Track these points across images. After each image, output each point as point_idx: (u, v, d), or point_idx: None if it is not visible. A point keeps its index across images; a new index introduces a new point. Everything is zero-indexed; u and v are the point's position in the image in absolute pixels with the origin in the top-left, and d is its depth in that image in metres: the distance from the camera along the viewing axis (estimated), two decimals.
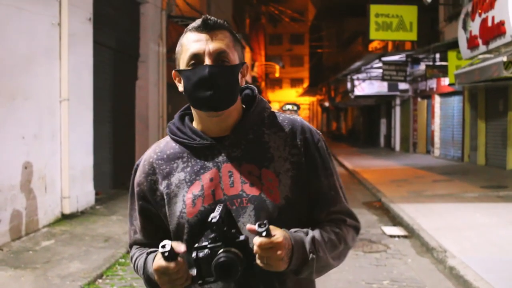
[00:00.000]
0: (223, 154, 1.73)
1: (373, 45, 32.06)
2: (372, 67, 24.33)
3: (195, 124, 1.80)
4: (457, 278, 6.13)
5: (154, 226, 1.82)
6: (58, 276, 5.91)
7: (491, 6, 11.54)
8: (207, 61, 1.67)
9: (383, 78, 21.69)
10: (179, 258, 1.54)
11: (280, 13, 42.03)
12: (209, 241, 1.56)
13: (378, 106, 33.90)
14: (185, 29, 1.76)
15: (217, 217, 1.54)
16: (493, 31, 11.42)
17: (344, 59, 39.56)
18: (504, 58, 10.47)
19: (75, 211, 9.05)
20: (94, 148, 10.00)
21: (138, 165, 1.86)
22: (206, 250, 1.55)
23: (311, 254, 1.61)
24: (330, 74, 43.20)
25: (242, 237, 1.56)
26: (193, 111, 1.79)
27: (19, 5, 7.56)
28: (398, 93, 27.42)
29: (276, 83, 68.88)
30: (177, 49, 1.77)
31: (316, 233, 1.67)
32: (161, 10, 14.80)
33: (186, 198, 1.72)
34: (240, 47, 1.77)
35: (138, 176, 1.83)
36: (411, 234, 8.45)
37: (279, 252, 1.51)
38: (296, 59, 69.10)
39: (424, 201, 10.96)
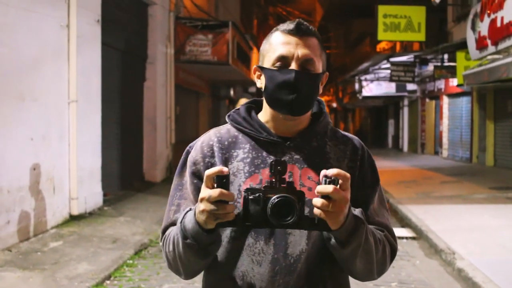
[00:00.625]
0: (286, 154, 1.75)
1: (381, 46, 32.00)
2: (380, 68, 24.29)
3: (263, 120, 1.81)
4: (465, 280, 6.10)
5: None
6: (66, 277, 5.93)
7: (500, 6, 11.49)
8: (293, 66, 1.69)
9: (391, 79, 21.65)
10: (230, 192, 1.50)
11: (288, 14, 41.99)
12: (265, 185, 1.53)
13: (386, 106, 33.84)
14: (275, 27, 1.78)
15: (283, 159, 1.52)
16: (502, 31, 11.36)
17: (351, 60, 39.52)
18: None
19: (83, 212, 9.07)
20: (102, 149, 10.02)
21: (191, 146, 1.84)
22: (259, 193, 1.51)
23: (362, 224, 1.58)
24: (337, 74, 43.11)
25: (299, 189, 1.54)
26: (266, 108, 1.80)
27: (28, 7, 7.59)
28: (406, 93, 27.36)
29: None
30: (263, 46, 1.79)
31: (364, 217, 1.66)
32: (169, 11, 14.84)
33: (242, 188, 1.70)
34: (325, 56, 1.80)
35: (195, 156, 1.80)
36: (419, 235, 8.42)
37: (345, 206, 1.50)
38: None
39: (433, 203, 10.93)
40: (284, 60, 1.70)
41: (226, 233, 1.73)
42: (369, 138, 39.43)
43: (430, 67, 21.04)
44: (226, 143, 1.79)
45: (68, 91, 8.72)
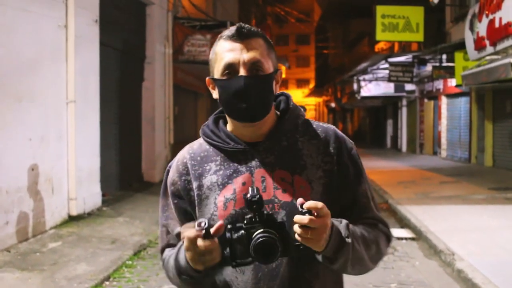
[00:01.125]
0: (256, 159, 1.73)
1: (379, 46, 31.99)
2: (378, 68, 24.29)
3: (229, 128, 1.80)
4: (465, 281, 6.09)
5: None
6: (65, 278, 5.91)
7: (498, 7, 11.49)
8: (242, 72, 1.67)
9: (389, 79, 21.65)
10: (215, 239, 1.51)
11: (286, 14, 42.01)
12: (246, 221, 1.53)
13: (385, 107, 33.83)
14: (219, 36, 1.76)
15: (257, 196, 1.51)
16: (501, 32, 11.36)
17: (350, 60, 39.50)
18: None
19: (82, 213, 9.05)
20: (100, 149, 10.01)
21: (170, 166, 1.86)
22: (242, 231, 1.52)
23: (347, 239, 1.58)
24: (336, 75, 43.13)
25: (279, 218, 1.56)
26: (227, 117, 1.79)
27: (26, 7, 7.57)
28: (404, 94, 27.36)
29: (282, 84, 66.40)
30: (210, 56, 1.77)
31: (350, 224, 1.65)
32: (167, 11, 14.83)
33: (217, 201, 1.71)
34: (273, 53, 1.77)
35: (172, 176, 1.81)
36: (419, 236, 8.41)
37: (325, 232, 1.51)
38: (302, 60, 69.03)
39: (431, 203, 10.92)
40: (231, 68, 1.67)
41: None
42: (367, 138, 39.44)
43: (429, 67, 21.05)
44: (198, 158, 1.79)
45: (66, 91, 8.71)
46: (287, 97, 1.86)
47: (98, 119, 9.88)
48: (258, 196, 1.51)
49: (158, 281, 6.13)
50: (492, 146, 17.68)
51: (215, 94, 1.77)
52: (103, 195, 10.22)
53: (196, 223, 1.50)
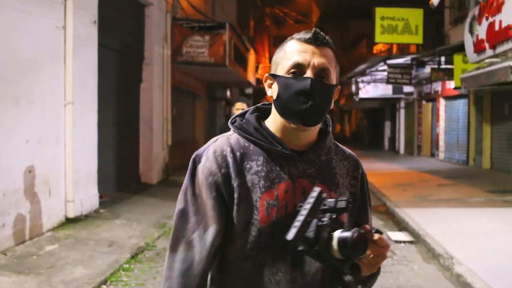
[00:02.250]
0: (299, 168, 1.71)
1: (377, 48, 32.01)
2: (377, 70, 24.29)
3: (272, 130, 1.74)
4: (464, 286, 6.07)
5: (221, 225, 1.68)
6: (62, 282, 5.87)
7: (498, 10, 11.48)
8: (309, 74, 1.65)
9: (388, 81, 21.63)
10: None
11: (285, 15, 41.99)
12: (326, 219, 1.56)
13: (383, 108, 33.84)
14: (291, 36, 1.74)
15: (348, 205, 1.57)
16: (501, 35, 11.35)
17: (348, 62, 39.51)
18: None
19: (79, 215, 9.01)
20: (98, 151, 9.96)
21: (199, 155, 1.73)
22: (327, 226, 1.55)
23: (379, 270, 1.73)
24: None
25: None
26: (275, 118, 1.74)
27: (24, 8, 7.53)
28: (402, 96, 27.36)
29: None
30: (277, 54, 1.74)
31: None
32: (165, 12, 14.79)
33: (259, 204, 1.65)
34: (338, 69, 1.76)
35: (209, 166, 1.68)
36: (417, 239, 8.38)
37: (385, 253, 1.61)
38: None
39: (430, 206, 10.90)
40: (299, 68, 1.66)
41: (243, 251, 1.67)
42: (365, 140, 39.44)
43: (427, 69, 21.04)
44: (238, 154, 1.70)
45: (64, 93, 8.65)
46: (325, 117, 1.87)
47: (96, 120, 9.83)
48: (349, 205, 1.56)
49: (155, 285, 6.09)
50: (490, 149, 17.68)
51: (271, 91, 1.73)
52: (100, 197, 10.17)
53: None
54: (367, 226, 1.57)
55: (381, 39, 18.65)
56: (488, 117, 17.70)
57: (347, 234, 1.50)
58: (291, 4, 46.56)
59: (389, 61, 21.48)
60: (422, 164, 20.66)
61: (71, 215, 8.76)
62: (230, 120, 1.80)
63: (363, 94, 29.04)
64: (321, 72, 1.66)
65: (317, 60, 1.66)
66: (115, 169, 12.03)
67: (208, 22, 17.01)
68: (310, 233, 1.49)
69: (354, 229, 1.52)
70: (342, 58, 44.15)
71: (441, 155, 22.60)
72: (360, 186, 1.82)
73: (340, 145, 1.86)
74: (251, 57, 24.22)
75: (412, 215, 9.79)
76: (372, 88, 28.18)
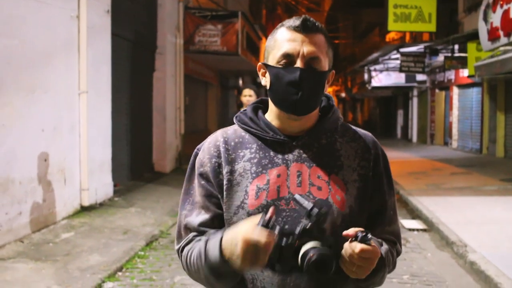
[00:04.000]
0: (294, 153, 1.73)
1: (390, 36, 31.82)
2: (390, 58, 24.16)
3: (269, 119, 1.79)
4: (478, 273, 6.08)
5: (212, 211, 1.75)
6: (78, 269, 5.95)
7: None
8: (299, 63, 1.66)
9: (401, 70, 21.52)
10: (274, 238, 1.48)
11: (297, 3, 41.79)
12: (299, 230, 1.51)
13: (395, 97, 33.72)
14: (281, 23, 1.75)
15: (326, 211, 1.50)
16: None
17: (360, 50, 39.36)
18: None
19: (94, 203, 9.10)
20: (112, 140, 10.03)
21: (199, 148, 1.83)
22: (291, 237, 1.50)
23: (383, 267, 1.65)
24: (346, 65, 42.97)
25: (330, 239, 1.53)
26: (271, 106, 1.78)
27: None
28: (415, 84, 27.24)
29: None
30: (268, 42, 1.76)
31: (385, 247, 1.71)
32: (178, 1, 14.80)
33: (249, 189, 1.70)
34: (331, 52, 1.76)
35: (202, 158, 1.78)
36: (430, 227, 8.39)
37: (373, 263, 1.54)
38: None
39: (443, 194, 10.88)
40: (289, 58, 1.67)
41: None
42: (377, 128, 39.32)
43: (440, 57, 20.90)
44: (232, 143, 1.77)
45: (79, 82, 8.72)
46: (329, 98, 1.87)
47: (110, 109, 9.89)
48: (327, 210, 1.50)
49: (170, 272, 6.16)
50: (504, 137, 17.58)
51: (264, 80, 1.76)
52: (115, 185, 10.26)
53: (260, 220, 1.47)
54: (350, 232, 1.52)
55: (395, 27, 18.55)
56: (502, 105, 17.57)
57: (309, 252, 1.48)
58: None
59: (402, 50, 21.35)
60: (435, 153, 20.59)
61: (86, 203, 8.85)
62: (235, 116, 1.86)
63: (375, 82, 28.92)
64: (311, 61, 1.67)
65: (306, 49, 1.66)
66: (129, 158, 12.11)
67: (221, 11, 17.01)
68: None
69: (321, 248, 1.48)
70: (354, 46, 43.99)
71: (454, 144, 22.50)
72: (373, 167, 1.77)
73: (353, 128, 1.85)
74: (263, 45, 24.14)
75: (425, 203, 9.79)
76: (384, 76, 28.07)
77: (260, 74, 1.79)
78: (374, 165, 1.77)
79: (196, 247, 1.68)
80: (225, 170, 1.73)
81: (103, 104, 9.64)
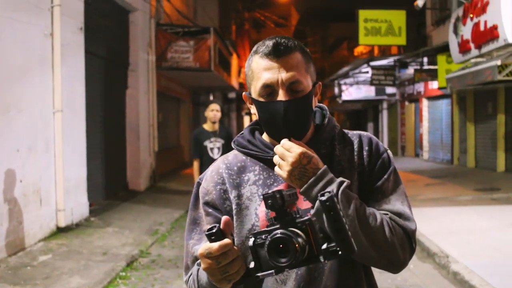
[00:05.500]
0: None
1: (358, 50, 32.20)
2: (360, 72, 24.43)
3: (267, 139, 1.77)
4: (462, 283, 6.11)
5: None
6: None
7: (483, 10, 11.60)
8: (281, 93, 1.63)
9: (371, 83, 21.78)
10: (226, 240, 1.42)
11: (266, 18, 42.10)
12: (268, 224, 1.43)
13: (365, 110, 34.06)
14: (254, 49, 1.71)
15: (278, 195, 1.40)
16: (486, 35, 11.47)
17: (330, 64, 39.72)
18: (499, 62, 10.52)
19: (70, 224, 8.91)
20: (86, 159, 9.87)
21: (201, 178, 1.82)
22: (264, 235, 1.41)
23: (327, 193, 1.38)
24: (316, 79, 43.17)
25: (305, 217, 1.40)
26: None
27: (12, 16, 7.44)
28: (385, 97, 27.57)
29: None
30: (246, 71, 1.74)
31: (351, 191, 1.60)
32: (149, 18, 14.73)
33: (259, 211, 1.68)
34: (312, 66, 1.73)
35: (206, 186, 1.77)
36: None
37: (294, 165, 1.54)
38: None
39: (419, 205, 10.94)
40: (269, 89, 1.64)
41: (247, 257, 1.63)
42: None
43: (410, 70, 21.22)
44: (235, 168, 1.76)
45: (53, 100, 8.56)
46: (322, 109, 1.85)
47: (84, 128, 9.75)
48: (278, 195, 1.41)
49: None
50: (474, 147, 17.86)
51: (252, 109, 1.74)
52: (90, 205, 10.07)
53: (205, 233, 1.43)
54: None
55: (365, 41, 18.76)
56: (472, 116, 17.87)
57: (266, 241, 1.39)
58: (271, 7, 46.72)
59: (372, 63, 21.61)
60: (407, 164, 20.78)
61: (62, 224, 8.65)
62: (233, 141, 1.84)
63: (346, 96, 29.20)
64: (292, 86, 1.63)
65: (284, 76, 1.62)
66: (103, 177, 11.93)
67: (193, 27, 16.98)
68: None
69: (282, 231, 1.38)
70: (323, 60, 44.36)
71: (426, 155, 22.78)
72: (368, 161, 1.73)
73: (350, 132, 1.81)
74: (234, 61, 24.21)
75: None
76: (355, 90, 28.35)
77: (248, 103, 1.77)
78: (369, 159, 1.74)
79: (194, 272, 1.68)
80: (232, 195, 1.72)
81: (78, 123, 9.50)
